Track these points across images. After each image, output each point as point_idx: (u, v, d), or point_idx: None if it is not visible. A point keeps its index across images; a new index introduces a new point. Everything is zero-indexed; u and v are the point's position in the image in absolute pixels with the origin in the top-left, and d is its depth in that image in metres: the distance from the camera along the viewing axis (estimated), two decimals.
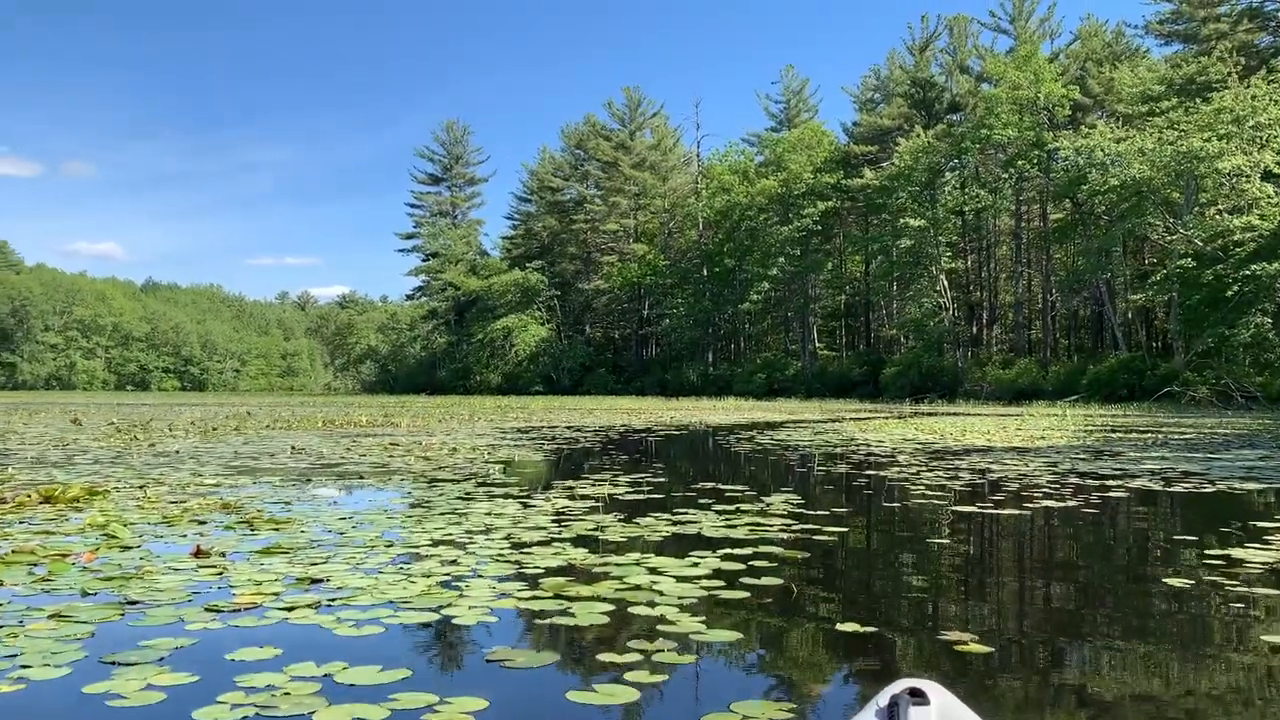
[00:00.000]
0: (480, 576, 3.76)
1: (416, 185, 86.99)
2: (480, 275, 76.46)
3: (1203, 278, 38.87)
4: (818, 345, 63.58)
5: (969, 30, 60.94)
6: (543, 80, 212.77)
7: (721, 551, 4.34)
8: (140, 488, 6.89)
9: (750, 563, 4.10)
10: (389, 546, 4.44)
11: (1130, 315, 51.30)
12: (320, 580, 3.66)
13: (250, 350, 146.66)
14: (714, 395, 53.07)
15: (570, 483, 7.43)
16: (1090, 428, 19.31)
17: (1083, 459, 10.45)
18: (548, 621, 3.10)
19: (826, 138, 62.66)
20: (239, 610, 3.19)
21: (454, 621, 3.08)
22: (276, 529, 4.97)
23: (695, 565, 4.02)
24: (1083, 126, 47.94)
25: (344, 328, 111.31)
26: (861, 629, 3.03)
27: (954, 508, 6.14)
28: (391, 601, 3.31)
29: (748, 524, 5.23)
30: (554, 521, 5.29)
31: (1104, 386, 41.28)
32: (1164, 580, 3.87)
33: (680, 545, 4.55)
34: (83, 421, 18.51)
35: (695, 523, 5.26)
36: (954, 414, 28.60)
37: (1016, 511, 5.93)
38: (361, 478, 7.87)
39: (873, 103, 68.05)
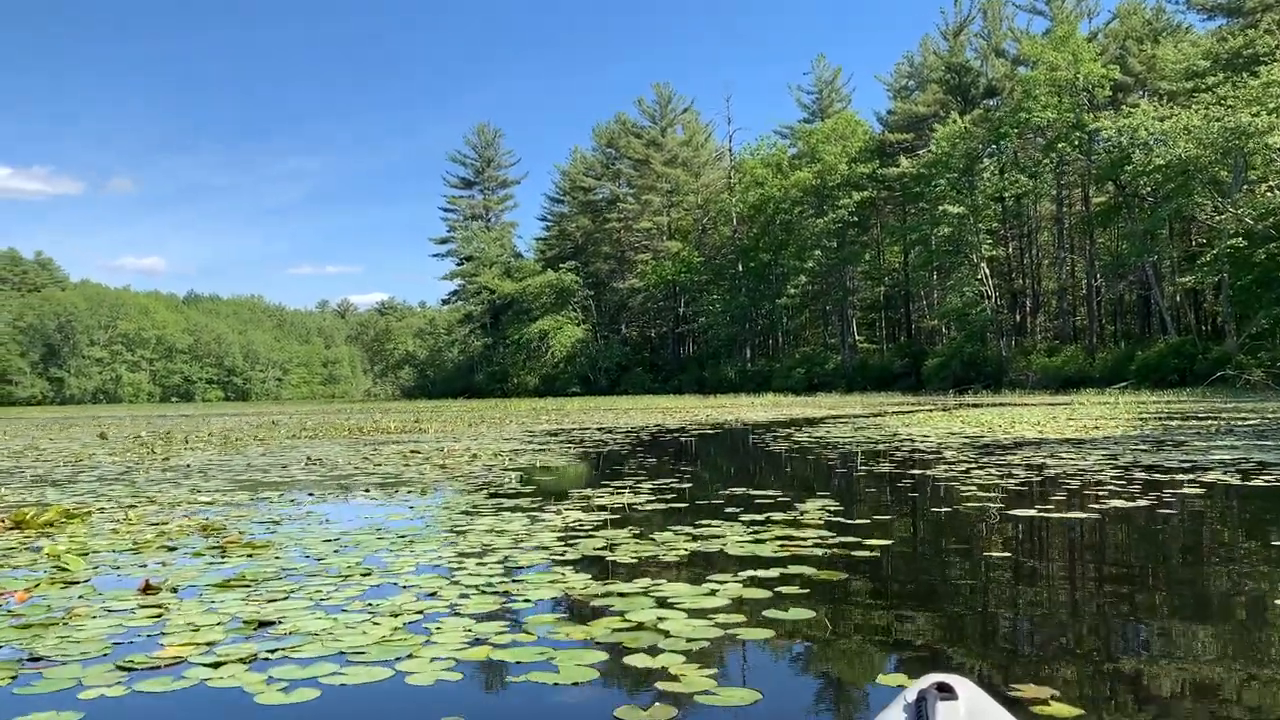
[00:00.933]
0: (458, 614, 3.20)
1: (449, 189, 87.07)
2: (514, 277, 76.18)
3: (1254, 257, 37.61)
4: (857, 338, 62.64)
5: (1003, 13, 59.59)
6: (573, 80, 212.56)
7: (745, 574, 3.75)
8: (128, 508, 6.41)
9: (778, 588, 3.51)
10: (365, 575, 3.89)
11: (1179, 298, 49.84)
12: (270, 623, 3.12)
13: (292, 359, 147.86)
14: (753, 392, 52.30)
15: (588, 491, 6.86)
16: (1145, 415, 18.45)
17: (1144, 450, 9.72)
18: (520, 679, 2.53)
19: (860, 127, 61.67)
20: (158, 668, 2.65)
21: (406, 680, 2.52)
22: (250, 555, 4.45)
23: (713, 594, 3.43)
24: (1124, 106, 46.60)
25: (381, 334, 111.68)
26: (909, 681, 2.43)
27: (1010, 511, 5.49)
28: (342, 653, 2.76)
29: (778, 538, 4.63)
30: (560, 539, 4.74)
31: (1153, 372, 40.14)
32: None
33: (698, 567, 3.97)
34: (109, 436, 18.26)
35: (719, 538, 4.67)
36: (1000, 404, 27.71)
37: (1082, 515, 5.27)
38: (367, 491, 7.36)
39: (907, 90, 66.92)
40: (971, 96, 59.22)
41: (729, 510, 5.71)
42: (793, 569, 3.85)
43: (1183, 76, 46.90)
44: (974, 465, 8.45)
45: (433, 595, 3.49)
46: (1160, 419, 16.85)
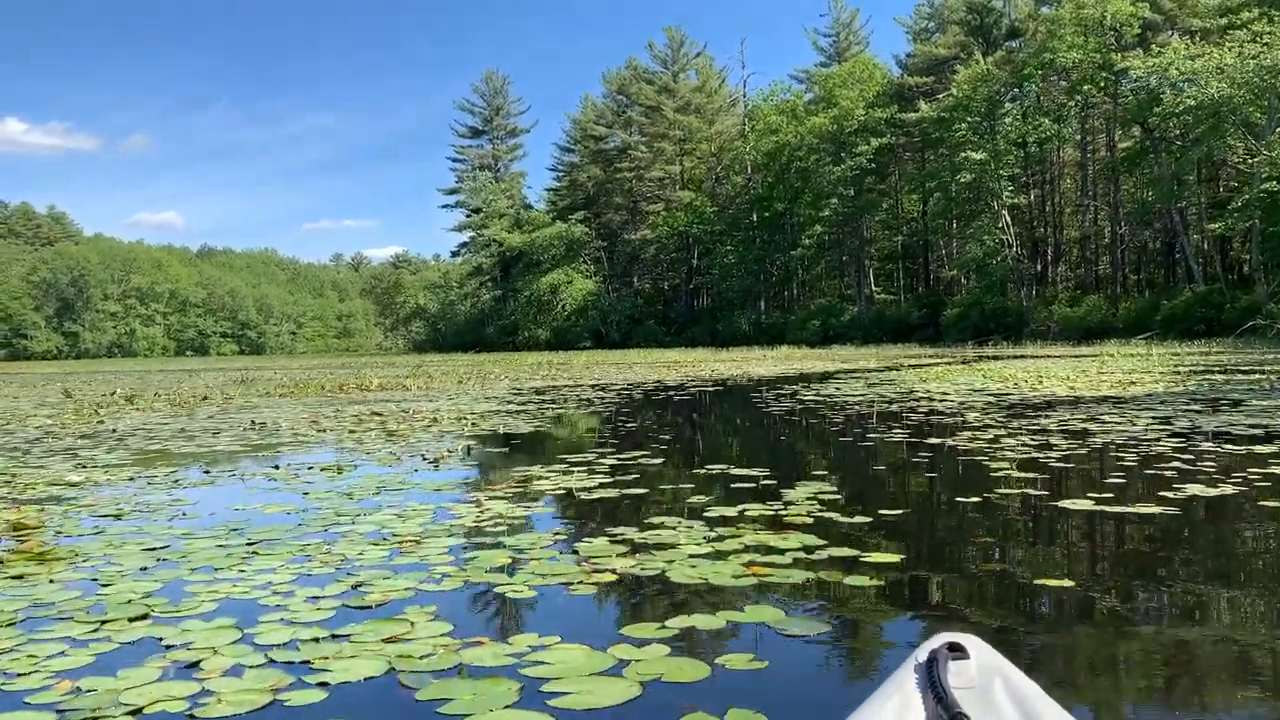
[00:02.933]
0: None
1: (457, 139, 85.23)
2: (524, 229, 74.62)
3: None
4: (874, 289, 61.07)
5: None
6: (585, 25, 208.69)
7: (679, 623, 2.53)
8: None
9: (719, 657, 2.29)
10: (136, 620, 2.68)
11: (1206, 246, 48.02)
12: None
13: (306, 313, 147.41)
14: (767, 344, 50.92)
15: (536, 470, 5.65)
16: (1181, 368, 17.10)
17: (1199, 411, 8.43)
18: None
19: (879, 71, 59.69)
20: None
21: None
22: (20, 576, 3.25)
23: (615, 673, 2.21)
24: (1154, 46, 44.52)
25: (392, 287, 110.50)
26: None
27: (1060, 503, 4.24)
28: None
29: (747, 548, 3.40)
30: (461, 546, 3.53)
31: (1179, 322, 38.69)
32: None
33: (616, 606, 2.76)
34: (73, 394, 17.16)
35: (667, 547, 3.45)
36: (1022, 356, 26.35)
37: (1156, 509, 4.00)
38: (278, 467, 6.16)
39: (927, 32, 64.69)
40: (994, 38, 57.09)
41: (695, 500, 4.49)
42: (752, 612, 2.62)
43: (1216, 13, 44.85)
44: (1002, 431, 7.19)
45: (194, 667, 2.28)
46: (1200, 373, 15.49)
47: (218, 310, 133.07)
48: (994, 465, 5.41)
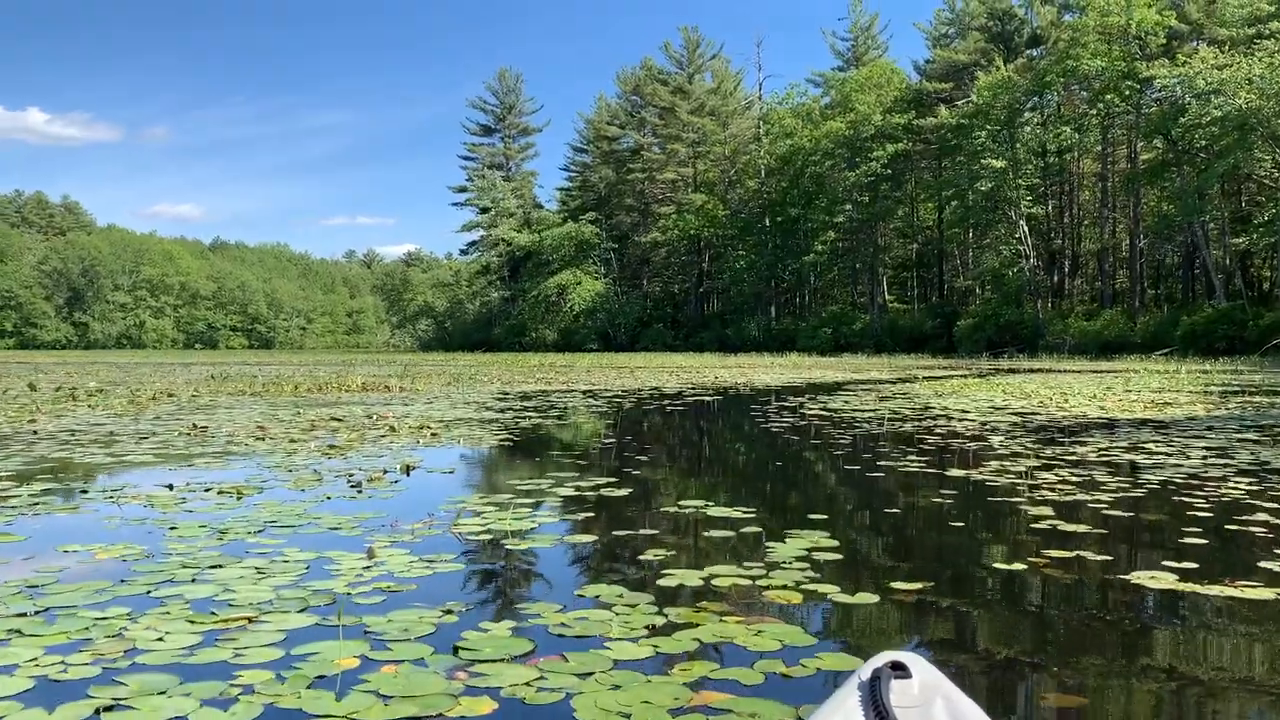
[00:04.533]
0: None
1: (469, 137, 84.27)
2: (533, 229, 73.63)
3: None
4: (887, 298, 59.91)
5: None
6: (599, 21, 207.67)
7: None
8: None
9: None
10: None
11: (1228, 262, 46.76)
12: None
13: (316, 308, 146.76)
14: (776, 351, 49.78)
15: (474, 499, 4.65)
16: (1212, 388, 16.02)
17: (1256, 441, 7.37)
18: None
19: (897, 76, 58.57)
20: None
21: None
22: None
23: None
24: (1179, 55, 43.35)
25: (400, 284, 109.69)
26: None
27: (1130, 575, 3.21)
28: None
29: (701, 647, 2.38)
30: (306, 630, 2.53)
31: (1200, 339, 37.51)
32: None
33: None
34: (37, 387, 16.20)
35: (586, 643, 2.43)
36: (1040, 371, 25.25)
37: (1269, 591, 2.97)
38: (171, 487, 5.17)
39: (947, 38, 63.49)
40: (1015, 45, 56.03)
41: (653, 554, 3.47)
42: None
43: (1245, 23, 43.62)
44: (1034, 461, 6.16)
45: None
46: (1234, 393, 14.42)
47: (228, 304, 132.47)
48: (1034, 511, 4.37)
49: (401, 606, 2.77)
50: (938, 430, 8.59)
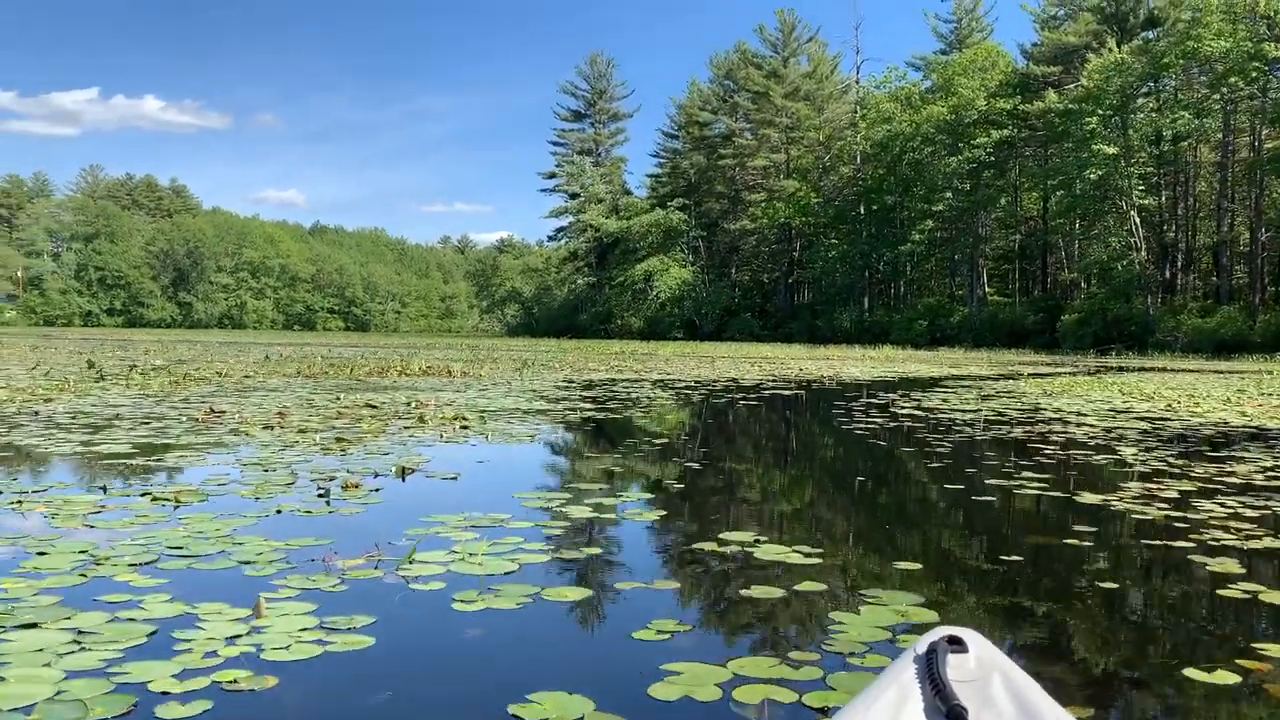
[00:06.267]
0: None
1: (559, 122, 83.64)
2: (621, 215, 72.67)
3: None
4: (987, 290, 57.41)
5: None
6: (692, 5, 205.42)
7: None
8: None
9: None
10: None
11: None
12: None
13: (410, 292, 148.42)
14: (868, 343, 47.94)
15: (454, 520, 3.60)
16: None
17: None
18: None
19: (1002, 59, 55.93)
20: None
21: None
22: None
23: None
24: None
25: (490, 269, 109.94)
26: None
27: None
28: None
29: None
30: None
31: None
32: None
33: None
34: (96, 364, 15.74)
35: None
36: (1154, 369, 23.30)
37: None
38: (104, 490, 4.24)
39: (1055, 20, 60.44)
40: (1130, 27, 52.92)
41: (651, 635, 2.36)
42: None
43: None
44: (1185, 483, 4.87)
45: None
46: None
47: (325, 287, 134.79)
48: (1213, 566, 3.14)
49: None
50: (1054, 437, 7.28)
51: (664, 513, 3.98)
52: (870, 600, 2.64)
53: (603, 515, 3.83)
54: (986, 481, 5.05)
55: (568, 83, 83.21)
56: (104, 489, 4.21)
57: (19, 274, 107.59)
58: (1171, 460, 5.97)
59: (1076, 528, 3.80)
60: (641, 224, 68.95)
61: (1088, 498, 4.54)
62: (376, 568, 2.92)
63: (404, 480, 4.67)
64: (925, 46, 77.96)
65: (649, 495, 4.41)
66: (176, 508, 3.83)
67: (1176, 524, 3.86)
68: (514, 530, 3.47)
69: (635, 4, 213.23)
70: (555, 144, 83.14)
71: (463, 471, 5.01)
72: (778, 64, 68.59)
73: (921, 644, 1.25)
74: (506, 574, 2.87)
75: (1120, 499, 4.47)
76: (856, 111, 62.89)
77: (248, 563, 2.94)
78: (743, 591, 2.74)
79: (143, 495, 4.07)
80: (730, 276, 70.42)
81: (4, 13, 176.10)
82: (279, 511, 3.76)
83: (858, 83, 65.99)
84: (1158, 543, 3.56)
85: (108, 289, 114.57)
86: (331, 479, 4.55)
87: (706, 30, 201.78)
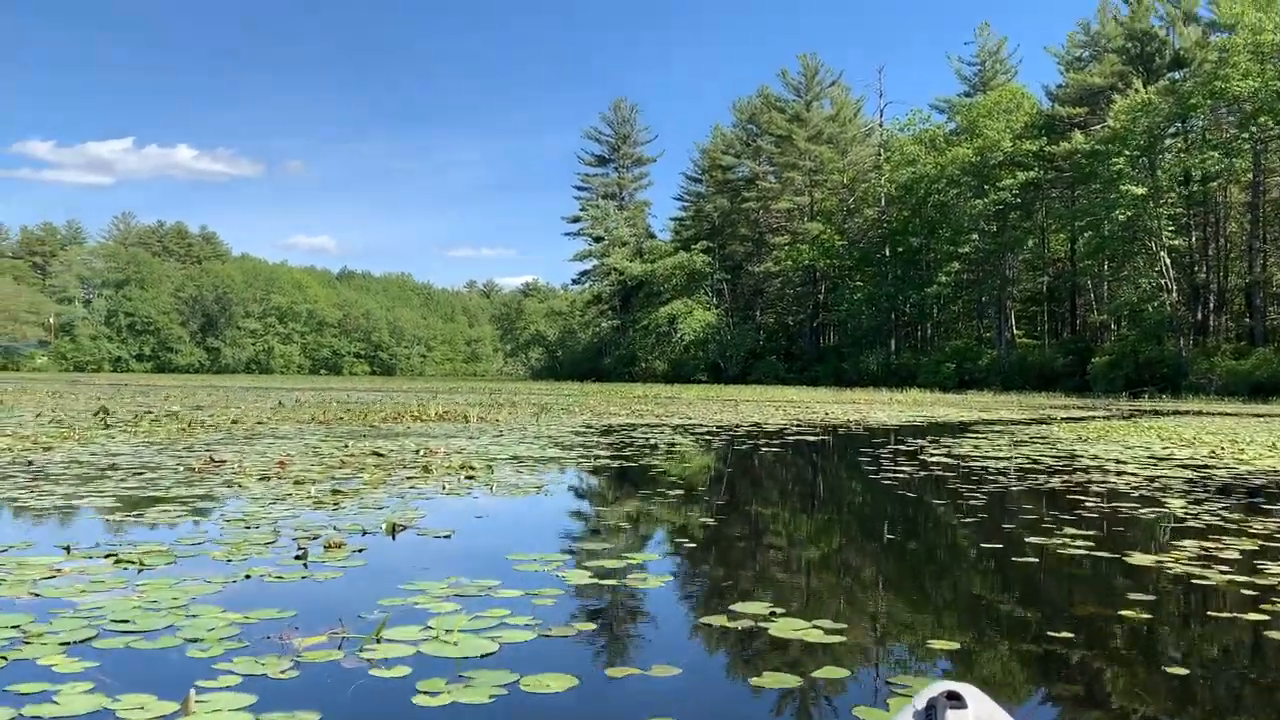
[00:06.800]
0: None
1: (583, 167, 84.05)
2: (645, 258, 72.63)
3: None
4: (1015, 332, 56.69)
5: None
6: (715, 52, 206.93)
7: None
8: None
9: None
10: None
11: None
12: None
13: (436, 336, 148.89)
14: (895, 386, 47.32)
15: (445, 587, 3.26)
16: None
17: None
18: None
19: (1028, 100, 55.64)
20: None
21: None
22: None
23: None
24: None
25: (514, 313, 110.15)
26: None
27: None
28: None
29: None
30: None
31: None
32: None
33: None
34: (111, 411, 15.57)
35: None
36: (1189, 413, 22.68)
37: None
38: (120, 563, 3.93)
39: (1080, 61, 60.21)
40: (1155, 67, 52.58)
41: None
42: None
43: None
44: (1245, 540, 4.45)
45: None
46: None
47: (352, 331, 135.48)
48: None
49: None
50: (1094, 488, 6.85)
51: (671, 577, 3.61)
52: (900, 691, 2.27)
53: (602, 581, 3.47)
54: (1026, 539, 4.65)
55: (592, 128, 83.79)
56: (67, 549, 3.90)
57: (51, 320, 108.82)
58: (1225, 514, 5.54)
59: (1132, 596, 3.40)
60: (665, 267, 68.86)
61: (1139, 559, 4.13)
62: (339, 647, 2.58)
63: (394, 538, 4.34)
64: (949, 89, 77.99)
65: (656, 556, 4.05)
66: (140, 571, 3.51)
67: (1243, 591, 3.46)
68: (500, 600, 3.12)
69: (659, 50, 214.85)
70: (580, 188, 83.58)
71: (458, 528, 4.66)
72: (801, 108, 68.69)
73: (921, 699, 1.24)
74: (484, 656, 2.52)
75: (1175, 560, 4.07)
76: (880, 154, 62.74)
77: (195, 640, 2.60)
78: (753, 680, 2.37)
79: (107, 556, 3.76)
80: (755, 319, 70.08)
81: (45, 66, 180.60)
82: (248, 576, 3.43)
83: (881, 125, 65.93)
84: (1226, 615, 3.16)
85: (137, 335, 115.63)
86: (315, 537, 4.23)
87: (729, 75, 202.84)
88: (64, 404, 18.44)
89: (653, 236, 79.03)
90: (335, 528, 4.50)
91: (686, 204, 79.22)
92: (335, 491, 5.81)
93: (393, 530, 4.47)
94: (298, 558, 3.79)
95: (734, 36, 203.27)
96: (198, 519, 4.78)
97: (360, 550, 3.99)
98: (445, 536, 4.42)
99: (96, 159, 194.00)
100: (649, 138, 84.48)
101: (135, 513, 4.97)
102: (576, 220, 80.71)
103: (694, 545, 4.49)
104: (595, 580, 3.48)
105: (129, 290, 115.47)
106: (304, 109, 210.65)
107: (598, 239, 77.06)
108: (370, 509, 5.16)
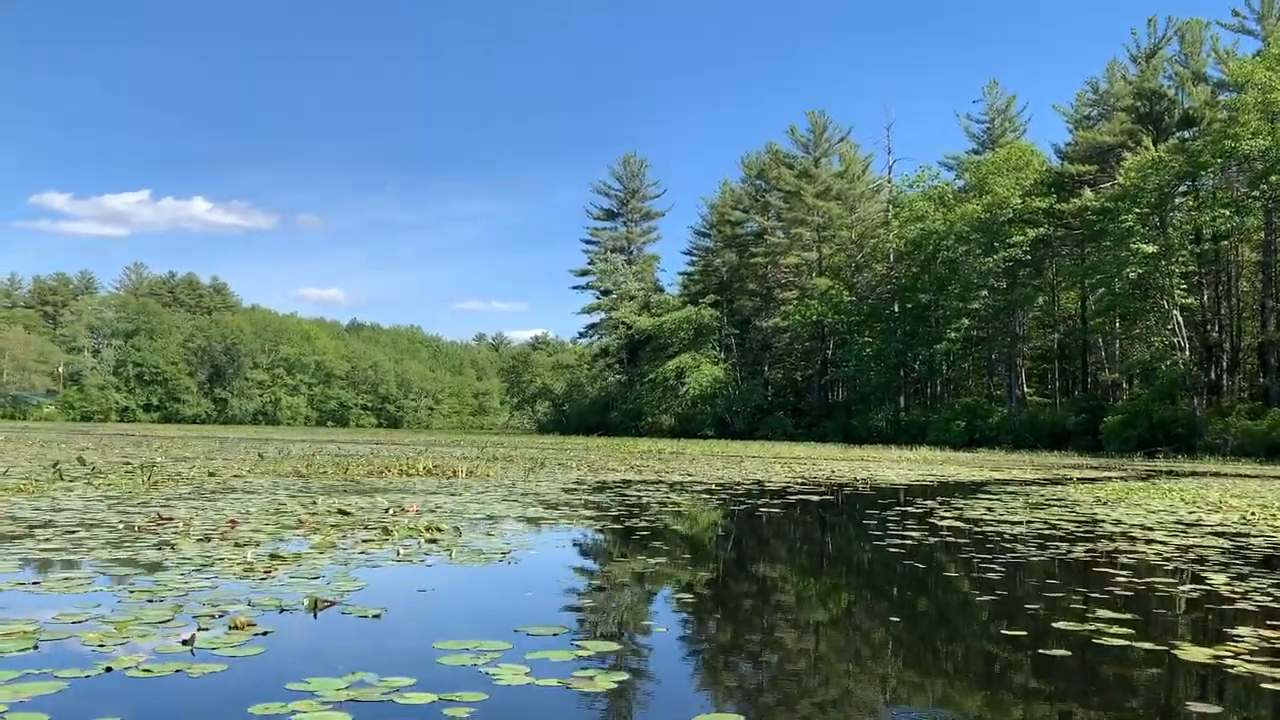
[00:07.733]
0: None
1: (592, 221, 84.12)
2: (653, 313, 72.29)
3: None
4: (1026, 390, 55.93)
5: (1204, 35, 52.66)
6: (724, 107, 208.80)
7: None
8: None
9: None
10: None
11: None
12: None
13: (443, 389, 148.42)
14: (905, 444, 46.50)
15: (343, 688, 2.65)
16: None
17: None
18: None
19: (1036, 157, 55.46)
20: None
21: None
22: None
23: None
24: None
25: (521, 366, 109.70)
26: None
27: None
28: None
29: None
30: None
31: None
32: None
33: None
34: (86, 461, 15.00)
35: None
36: (1207, 474, 21.89)
37: None
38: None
39: (1089, 120, 60.17)
40: (1165, 126, 52.40)
41: None
42: None
43: None
44: None
45: None
46: None
47: (360, 383, 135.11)
48: None
49: None
50: (1122, 559, 6.19)
51: (625, 677, 2.98)
52: None
53: (538, 682, 2.84)
54: (1053, 623, 4.00)
55: (601, 183, 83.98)
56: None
57: (59, 370, 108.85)
58: (1271, 590, 4.89)
59: (1193, 707, 2.76)
60: (673, 321, 68.44)
61: (1191, 653, 3.48)
62: None
63: (315, 616, 3.72)
64: (958, 146, 77.92)
65: (613, 647, 3.41)
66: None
67: None
68: (404, 710, 2.50)
69: (668, 105, 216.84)
70: (588, 242, 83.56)
71: (393, 605, 4.02)
72: (809, 164, 68.70)
73: None
74: None
75: (1234, 653, 3.42)
76: (889, 210, 62.54)
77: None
78: None
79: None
80: (763, 374, 69.47)
81: (62, 120, 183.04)
82: (108, 669, 2.82)
83: (890, 182, 65.80)
84: None
85: (145, 385, 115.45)
86: (222, 614, 3.61)
87: (738, 131, 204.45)
88: (47, 454, 17.87)
89: (661, 290, 78.81)
90: (250, 602, 3.88)
91: (695, 258, 79.11)
92: (273, 556, 5.19)
93: (314, 607, 3.85)
94: (185, 643, 3.17)
95: (741, 94, 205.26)
96: (101, 589, 4.18)
97: (265, 634, 3.37)
98: (374, 616, 3.79)
99: (111, 211, 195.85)
100: (658, 192, 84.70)
101: (32, 581, 4.36)
102: (584, 274, 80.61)
103: (662, 632, 3.86)
104: (531, 680, 2.85)
105: (138, 340, 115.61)
106: (317, 163, 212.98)
107: (605, 292, 76.83)
108: (303, 579, 4.54)
